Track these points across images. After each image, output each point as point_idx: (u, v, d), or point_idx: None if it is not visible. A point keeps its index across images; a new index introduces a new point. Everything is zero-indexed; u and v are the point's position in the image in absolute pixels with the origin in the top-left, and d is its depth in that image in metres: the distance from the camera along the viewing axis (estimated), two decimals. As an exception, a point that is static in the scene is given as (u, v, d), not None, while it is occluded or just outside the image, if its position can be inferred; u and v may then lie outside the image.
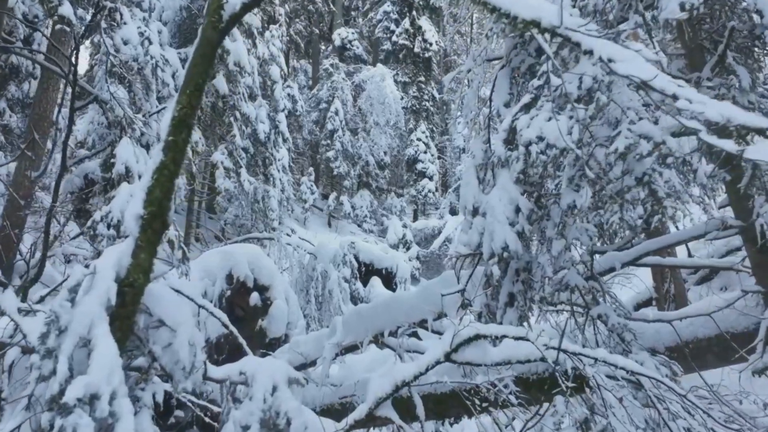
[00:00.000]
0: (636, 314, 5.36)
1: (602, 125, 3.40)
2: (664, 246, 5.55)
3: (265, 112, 16.91)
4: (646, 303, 10.48)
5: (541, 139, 3.38)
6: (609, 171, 3.35)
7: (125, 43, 5.87)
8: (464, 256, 4.33)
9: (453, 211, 28.94)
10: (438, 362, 3.62)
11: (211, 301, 9.56)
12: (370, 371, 8.19)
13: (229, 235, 16.59)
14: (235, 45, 15.23)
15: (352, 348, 7.05)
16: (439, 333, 6.78)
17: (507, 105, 4.26)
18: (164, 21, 14.76)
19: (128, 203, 4.38)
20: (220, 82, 14.99)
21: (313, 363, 7.55)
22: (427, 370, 3.63)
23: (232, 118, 15.41)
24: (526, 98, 3.56)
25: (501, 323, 3.96)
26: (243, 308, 9.75)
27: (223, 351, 9.00)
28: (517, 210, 3.81)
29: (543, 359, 3.48)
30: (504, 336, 3.41)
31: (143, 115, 6.32)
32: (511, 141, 3.68)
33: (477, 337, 3.53)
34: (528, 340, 3.22)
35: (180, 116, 2.12)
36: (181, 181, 13.42)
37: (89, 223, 5.28)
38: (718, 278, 11.19)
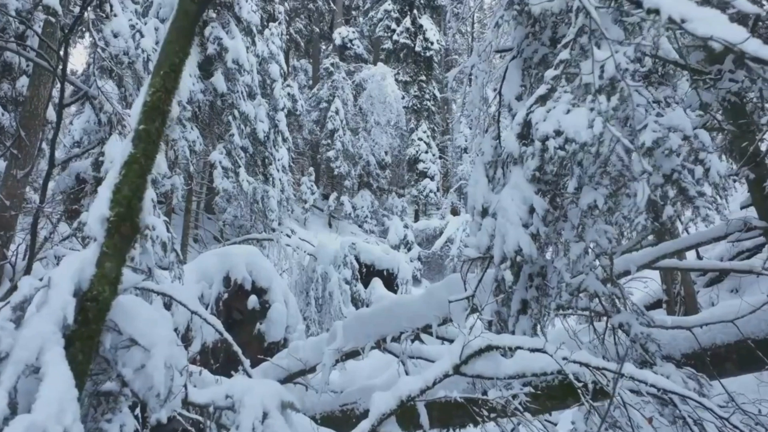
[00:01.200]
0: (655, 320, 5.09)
1: (625, 118, 3.11)
2: (683, 248, 5.27)
3: (264, 111, 16.64)
4: (655, 305, 10.20)
5: (559, 133, 3.09)
6: (632, 168, 3.07)
7: (115, 36, 5.59)
8: (472, 260, 4.05)
9: (454, 212, 28.69)
10: (446, 375, 3.34)
11: (208, 305, 9.28)
12: (371, 377, 7.92)
13: (228, 236, 16.31)
14: (234, 42, 14.98)
15: (353, 354, 6.78)
16: (445, 339, 6.51)
17: (519, 98, 3.98)
18: (161, 18, 14.47)
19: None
20: (219, 80, 14.74)
21: (313, 369, 7.28)
22: (434, 383, 3.35)
23: (230, 117, 15.14)
24: (541, 89, 3.28)
25: (513, 332, 3.67)
26: (241, 311, 9.47)
27: (219, 356, 8.71)
28: (531, 210, 3.52)
29: (561, 372, 3.20)
30: (518, 347, 3.13)
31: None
32: (525, 135, 3.39)
33: (489, 348, 3.25)
34: (546, 352, 2.95)
35: (152, 101, 1.83)
36: (178, 180, 13.13)
37: (75, 224, 4.99)
38: (728, 280, 10.91)
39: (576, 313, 3.70)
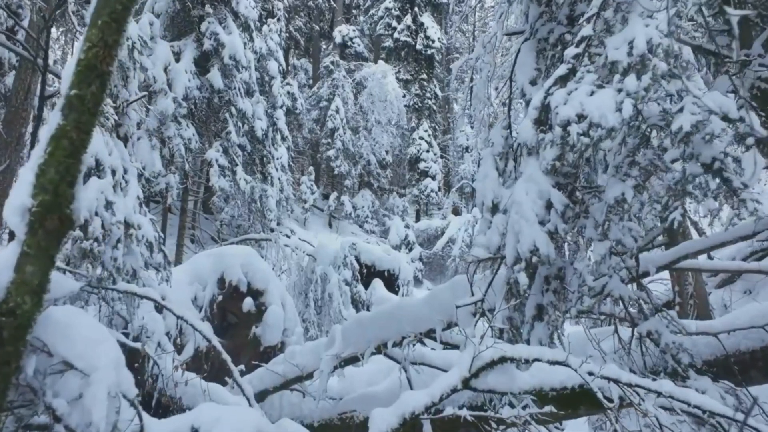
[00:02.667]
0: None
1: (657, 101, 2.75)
2: (707, 248, 4.89)
3: (262, 109, 16.28)
4: (665, 307, 9.83)
5: (582, 117, 2.73)
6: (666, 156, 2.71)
7: (98, 22, 5.25)
8: (481, 261, 3.69)
9: (456, 211, 28.33)
10: (454, 390, 2.98)
11: (202, 307, 8.92)
12: (372, 384, 7.56)
13: (226, 236, 15.95)
14: (231, 38, 14.63)
15: (353, 360, 6.44)
16: (449, 344, 6.16)
17: (533, 82, 3.61)
18: (156, 13, 14.13)
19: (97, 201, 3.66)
20: (215, 77, 14.38)
21: (310, 375, 6.95)
22: (441, 399, 2.99)
23: (227, 115, 14.78)
24: (561, 69, 2.92)
25: (528, 340, 3.32)
26: (236, 314, 9.11)
27: (213, 361, 8.33)
28: (549, 206, 3.17)
29: (583, 387, 2.85)
30: (537, 360, 2.78)
31: (120, 104, 5.68)
32: (543, 121, 3.03)
33: (502, 360, 2.90)
34: (568, 366, 2.59)
35: (88, 59, 1.45)
36: (173, 179, 12.78)
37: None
38: (741, 281, 10.55)
39: (599, 319, 3.34)
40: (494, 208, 3.73)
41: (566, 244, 3.23)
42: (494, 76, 7.27)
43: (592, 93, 2.79)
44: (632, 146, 2.80)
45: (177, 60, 14.09)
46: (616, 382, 2.51)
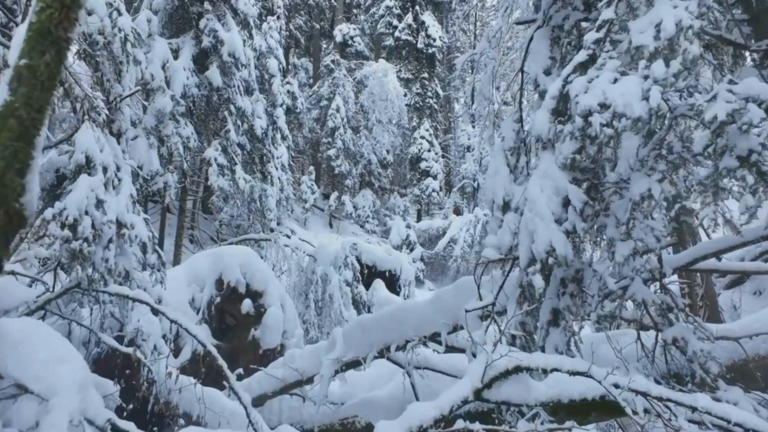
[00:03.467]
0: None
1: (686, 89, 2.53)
2: (726, 248, 4.69)
3: (262, 107, 16.05)
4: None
5: (604, 106, 2.52)
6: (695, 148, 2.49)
7: (89, 13, 5.04)
8: (492, 262, 3.47)
9: (457, 211, 28.11)
10: (466, 401, 2.77)
11: (199, 309, 8.71)
12: (374, 388, 7.33)
13: (225, 236, 15.72)
14: (230, 35, 14.40)
15: (354, 364, 6.23)
16: (455, 348, 5.95)
17: (547, 72, 3.40)
18: (154, 9, 13.92)
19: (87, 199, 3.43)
20: (214, 74, 14.15)
21: (311, 379, 6.74)
22: (451, 411, 2.77)
23: (226, 113, 14.55)
24: (580, 55, 2.71)
25: (543, 347, 3.10)
26: (234, 316, 8.90)
27: (208, 363, 8.11)
28: (566, 203, 2.95)
29: (604, 398, 2.63)
30: (555, 370, 2.56)
31: (113, 99, 5.46)
32: (561, 112, 2.82)
33: (518, 369, 2.68)
34: (592, 377, 2.37)
35: (41, 22, 1.22)
36: (170, 178, 12.56)
37: (38, 221, 4.43)
38: (750, 282, 10.34)
39: (619, 325, 3.12)
40: (505, 206, 3.51)
41: (585, 244, 3.01)
42: (498, 73, 7.08)
43: (615, 80, 2.57)
44: (658, 138, 2.58)
45: (175, 57, 13.87)
46: (645, 395, 2.29)
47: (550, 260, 2.91)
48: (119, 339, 6.11)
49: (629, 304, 3.10)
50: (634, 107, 2.42)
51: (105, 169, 4.84)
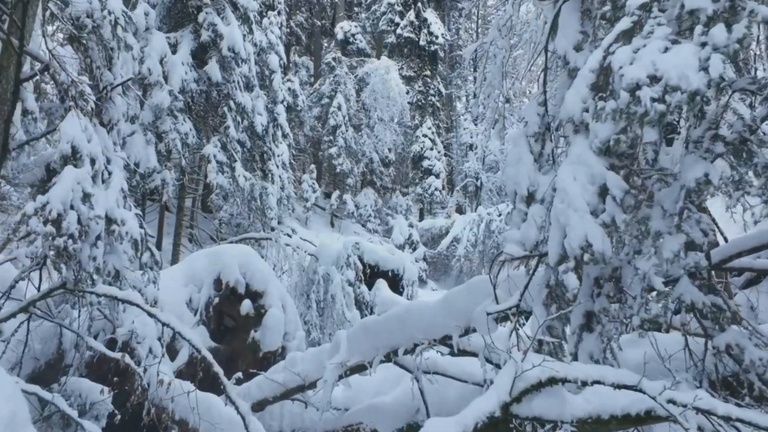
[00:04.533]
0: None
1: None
2: (764, 244, 4.35)
3: (262, 104, 15.73)
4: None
5: (654, 79, 2.18)
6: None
7: (77, -5, 4.73)
8: (516, 259, 3.13)
9: (459, 210, 27.80)
10: (492, 417, 2.43)
11: (197, 311, 8.37)
12: (379, 393, 6.99)
13: (224, 235, 15.39)
14: (230, 29, 14.07)
15: (359, 368, 5.91)
16: (467, 352, 5.63)
17: (578, 48, 3.06)
18: (152, 3, 13.59)
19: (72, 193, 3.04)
20: (213, 69, 13.82)
21: (313, 384, 6.43)
22: (475, 429, 2.44)
23: (226, 109, 14.22)
24: (623, 23, 2.37)
25: (575, 354, 2.76)
26: (233, 318, 8.56)
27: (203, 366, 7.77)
28: (603, 193, 2.61)
29: (650, 413, 2.29)
30: (597, 382, 2.23)
31: (104, 87, 5.13)
32: (602, 87, 2.48)
33: (552, 381, 2.35)
34: (643, 392, 2.04)
35: None
36: (168, 175, 12.24)
37: (19, 217, 4.10)
38: (767, 282, 10.00)
39: (668, 331, 2.79)
40: (530, 198, 3.17)
41: (624, 238, 2.67)
42: (508, 64, 6.80)
43: (666, 50, 2.23)
44: (714, 116, 2.25)
45: (173, 52, 13.54)
46: (708, 414, 1.96)
47: (586, 257, 2.57)
48: (113, 341, 5.79)
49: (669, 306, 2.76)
50: (691, 79, 2.09)
51: (93, 161, 4.51)
